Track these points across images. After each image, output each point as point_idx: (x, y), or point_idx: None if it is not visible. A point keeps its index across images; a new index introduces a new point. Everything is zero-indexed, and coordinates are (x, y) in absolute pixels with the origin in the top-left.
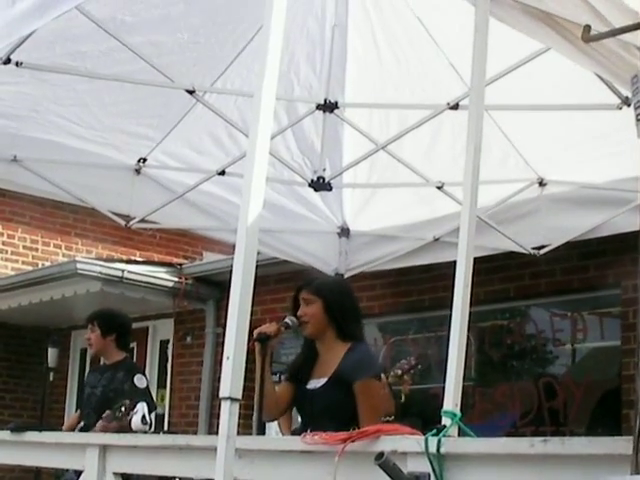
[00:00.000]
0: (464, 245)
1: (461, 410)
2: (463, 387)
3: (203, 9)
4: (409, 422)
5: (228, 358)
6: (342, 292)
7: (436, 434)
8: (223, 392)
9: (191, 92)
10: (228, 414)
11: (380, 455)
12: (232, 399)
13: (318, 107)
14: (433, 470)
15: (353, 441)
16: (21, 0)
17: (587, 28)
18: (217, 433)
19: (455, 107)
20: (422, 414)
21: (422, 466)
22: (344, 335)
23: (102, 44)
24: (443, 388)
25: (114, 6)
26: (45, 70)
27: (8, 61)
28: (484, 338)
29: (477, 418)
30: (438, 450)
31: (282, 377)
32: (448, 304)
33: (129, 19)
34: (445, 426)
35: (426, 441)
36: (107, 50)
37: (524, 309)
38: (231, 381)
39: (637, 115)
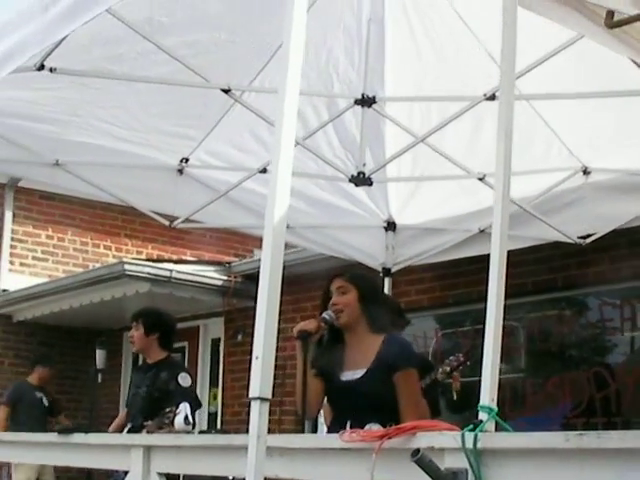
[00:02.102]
0: (497, 236)
1: (511, 403)
2: (514, 379)
3: (239, 7)
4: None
5: (257, 358)
6: (374, 284)
7: (473, 429)
8: (253, 392)
9: (226, 91)
10: (258, 414)
11: (416, 452)
12: (262, 399)
13: (356, 102)
14: (470, 466)
15: (390, 438)
16: (54, 6)
17: (610, 14)
18: (268, 431)
19: (492, 98)
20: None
21: (460, 462)
22: (376, 326)
23: (138, 45)
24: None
25: (150, 7)
26: (80, 75)
27: (42, 67)
28: (533, 329)
29: (528, 410)
30: (475, 445)
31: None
32: None
33: (165, 20)
34: (482, 421)
35: (463, 437)
36: (144, 51)
37: (572, 299)
38: (261, 381)
39: None
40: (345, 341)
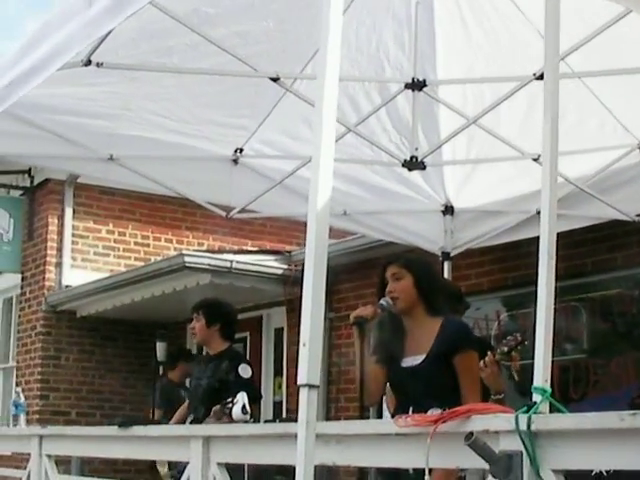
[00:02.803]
0: (546, 218)
1: (575, 384)
2: (577, 360)
3: None
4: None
5: (304, 345)
6: (429, 267)
7: (526, 411)
8: (301, 379)
9: (275, 80)
10: (307, 401)
11: (469, 435)
12: (310, 386)
13: (407, 86)
14: (525, 448)
15: (444, 422)
16: (97, 1)
17: None
18: (333, 418)
19: (541, 77)
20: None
21: (514, 444)
22: (434, 310)
23: (186, 38)
24: (553, 361)
25: None
26: (127, 68)
27: (89, 62)
28: (595, 309)
29: (593, 392)
30: (529, 428)
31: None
32: (558, 275)
33: (212, 11)
34: (535, 403)
35: (517, 419)
36: (192, 43)
37: (634, 277)
38: (308, 368)
39: None
40: (405, 327)
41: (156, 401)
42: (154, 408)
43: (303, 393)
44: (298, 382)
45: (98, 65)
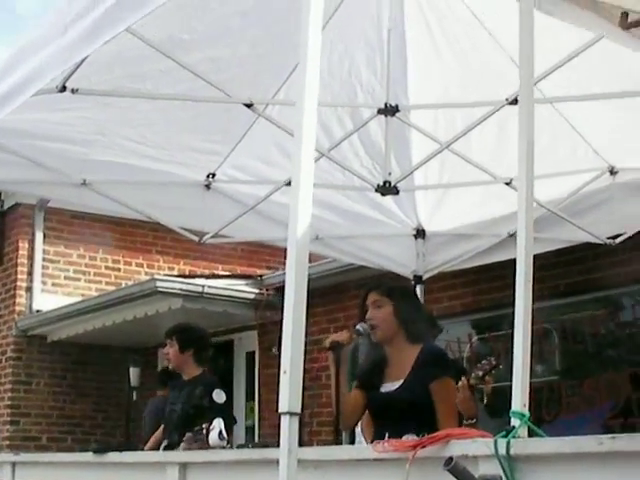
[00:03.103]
0: (522, 240)
1: (548, 405)
2: (549, 382)
3: (260, 20)
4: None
5: (285, 372)
6: (409, 294)
7: (505, 436)
8: (282, 407)
9: (249, 106)
10: (288, 429)
11: (449, 460)
12: (291, 413)
13: (379, 111)
14: (504, 472)
15: (423, 447)
16: (72, 27)
17: (624, 15)
18: (306, 442)
19: (514, 102)
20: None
21: (493, 469)
22: (413, 337)
23: (161, 63)
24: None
25: (170, 25)
26: (102, 94)
27: (64, 89)
28: (567, 331)
29: (565, 413)
30: (508, 452)
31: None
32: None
33: (186, 37)
34: (514, 427)
35: (495, 443)
36: (166, 69)
37: (605, 299)
38: (289, 395)
39: None
40: (386, 353)
41: (150, 419)
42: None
43: (284, 421)
44: (279, 410)
45: (73, 91)
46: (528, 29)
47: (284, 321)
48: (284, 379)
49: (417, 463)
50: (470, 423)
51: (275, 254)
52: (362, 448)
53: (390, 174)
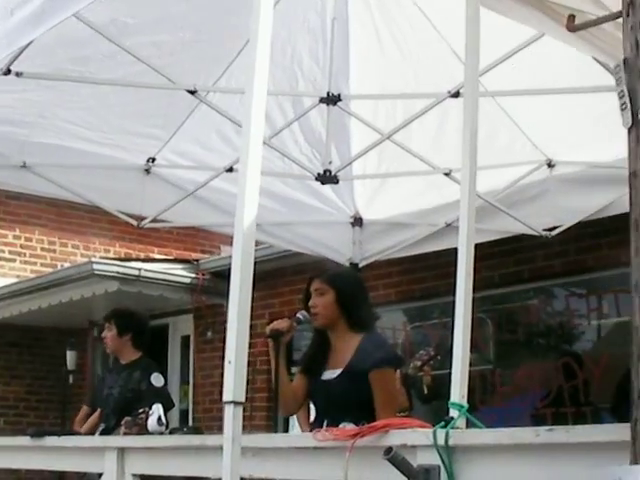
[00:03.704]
0: (464, 230)
1: (481, 393)
2: (483, 370)
3: (204, 6)
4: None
5: (230, 362)
6: (353, 282)
7: (444, 426)
8: (226, 396)
9: (192, 92)
10: (232, 418)
11: (388, 450)
12: (235, 403)
13: (321, 100)
14: (442, 462)
15: (363, 436)
16: (20, 10)
17: (571, 17)
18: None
19: (456, 95)
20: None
21: (432, 459)
22: (356, 325)
23: (104, 47)
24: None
25: (115, 9)
26: (45, 78)
27: (8, 72)
28: (501, 321)
29: (498, 401)
30: (446, 442)
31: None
32: None
33: (130, 21)
34: (453, 418)
35: (434, 434)
36: (110, 53)
37: (540, 290)
38: (234, 385)
39: (621, 105)
40: (330, 340)
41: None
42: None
43: (228, 410)
44: (223, 399)
45: (18, 75)
46: (474, 22)
47: (229, 312)
48: (229, 369)
49: (356, 452)
50: (402, 415)
51: (210, 238)
52: (302, 436)
53: (330, 163)
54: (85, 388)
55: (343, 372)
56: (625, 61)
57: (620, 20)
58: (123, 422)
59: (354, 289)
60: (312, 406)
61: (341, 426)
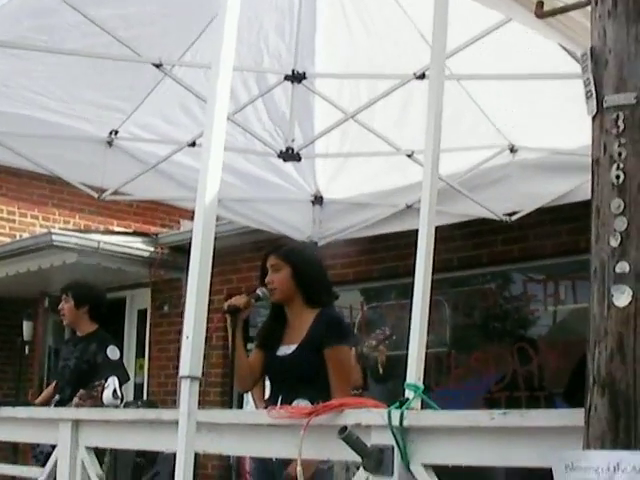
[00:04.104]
0: (425, 212)
1: (436, 375)
2: (439, 352)
3: None
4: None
5: (187, 337)
6: (310, 258)
7: (399, 407)
8: (183, 371)
9: (158, 66)
10: (188, 393)
11: (343, 429)
12: (192, 377)
13: (286, 78)
14: (397, 443)
15: (318, 415)
16: None
17: (540, 4)
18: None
19: (422, 77)
20: (402, 381)
21: (386, 439)
22: (312, 302)
23: (69, 17)
24: None
25: None
26: (9, 46)
27: None
28: (458, 304)
29: (452, 383)
30: (401, 423)
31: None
32: None
33: None
34: (408, 399)
35: (389, 414)
36: (75, 23)
37: (498, 275)
38: (191, 360)
39: (587, 93)
40: (287, 316)
41: None
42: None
43: (185, 385)
44: (180, 374)
45: None
46: (442, 5)
47: (188, 288)
48: (186, 343)
49: (311, 430)
50: (355, 394)
51: (170, 212)
52: (257, 413)
53: (293, 141)
54: (42, 359)
55: (298, 347)
56: (592, 49)
57: (588, 8)
58: (78, 394)
59: (310, 265)
60: (267, 383)
61: (295, 403)
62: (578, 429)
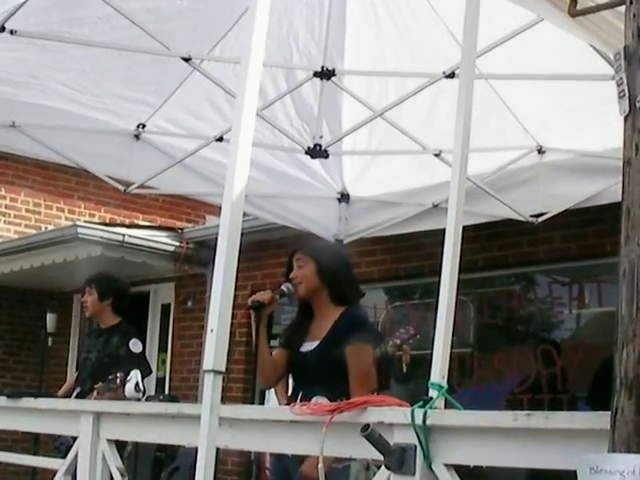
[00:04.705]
0: (453, 212)
1: (459, 376)
2: (462, 353)
3: None
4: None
5: (212, 331)
6: (336, 255)
7: (422, 406)
8: (207, 365)
9: (187, 60)
10: (212, 387)
11: (366, 427)
12: (216, 372)
13: (315, 74)
14: (419, 442)
15: (341, 412)
16: None
17: (573, 2)
18: None
19: (451, 76)
20: (425, 381)
21: (408, 437)
22: (337, 299)
23: (99, 10)
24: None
25: None
26: (39, 38)
27: (2, 29)
28: (483, 305)
29: (475, 384)
30: (424, 422)
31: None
32: None
33: None
34: (432, 398)
35: (412, 413)
36: (104, 16)
37: (523, 276)
38: (215, 354)
39: (619, 92)
40: (313, 313)
41: None
42: None
43: (208, 378)
44: (204, 367)
45: (12, 33)
46: (474, 4)
47: (214, 281)
48: (211, 337)
49: (333, 427)
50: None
51: (195, 207)
52: (279, 409)
53: (321, 137)
54: (67, 351)
55: (320, 344)
56: (626, 48)
57: (620, 9)
58: (96, 387)
59: (335, 262)
60: (290, 380)
61: (314, 400)
62: (603, 432)
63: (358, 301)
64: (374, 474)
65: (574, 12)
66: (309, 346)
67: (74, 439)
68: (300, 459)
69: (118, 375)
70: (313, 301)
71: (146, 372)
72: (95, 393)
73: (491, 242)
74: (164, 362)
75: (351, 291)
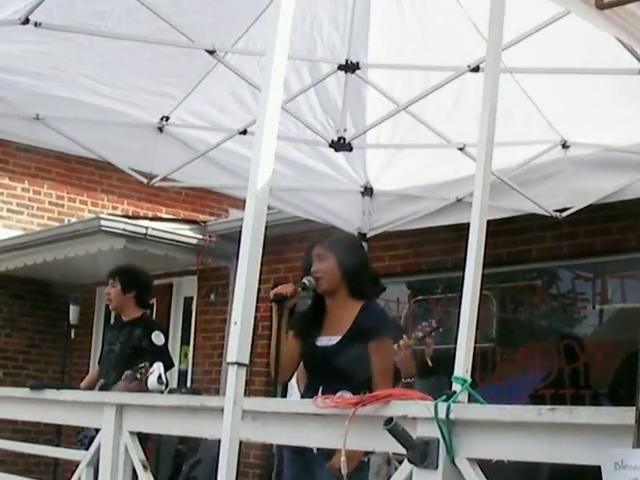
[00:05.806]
0: (477, 206)
1: (481, 371)
2: (484, 348)
3: None
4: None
5: (236, 323)
6: (355, 249)
7: (446, 400)
8: (230, 357)
9: (211, 52)
10: (235, 379)
11: (389, 420)
12: (239, 364)
13: (340, 67)
14: (442, 436)
15: (364, 405)
16: None
17: None
18: None
19: (476, 69)
20: (450, 374)
21: (431, 431)
22: (356, 293)
23: (124, 3)
24: None
25: None
26: (63, 30)
27: (27, 21)
28: (506, 299)
29: (498, 379)
30: (447, 416)
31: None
32: None
33: None
34: (455, 392)
35: (435, 407)
36: (128, 9)
37: (546, 271)
38: (238, 346)
39: None
40: (327, 306)
41: None
42: None
43: (232, 371)
44: (227, 359)
45: (36, 25)
46: None
47: (238, 274)
48: (234, 330)
49: (356, 421)
50: (408, 382)
51: (219, 200)
52: (303, 402)
53: (345, 130)
54: (90, 343)
55: (342, 339)
56: None
57: None
58: (123, 376)
59: (354, 255)
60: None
61: (338, 394)
62: (627, 427)
63: (376, 295)
64: (395, 469)
65: (601, 5)
66: (328, 341)
67: (97, 431)
68: (327, 454)
69: (143, 365)
70: (332, 295)
71: (169, 365)
72: (122, 382)
73: (514, 237)
74: (186, 355)
75: (369, 285)
